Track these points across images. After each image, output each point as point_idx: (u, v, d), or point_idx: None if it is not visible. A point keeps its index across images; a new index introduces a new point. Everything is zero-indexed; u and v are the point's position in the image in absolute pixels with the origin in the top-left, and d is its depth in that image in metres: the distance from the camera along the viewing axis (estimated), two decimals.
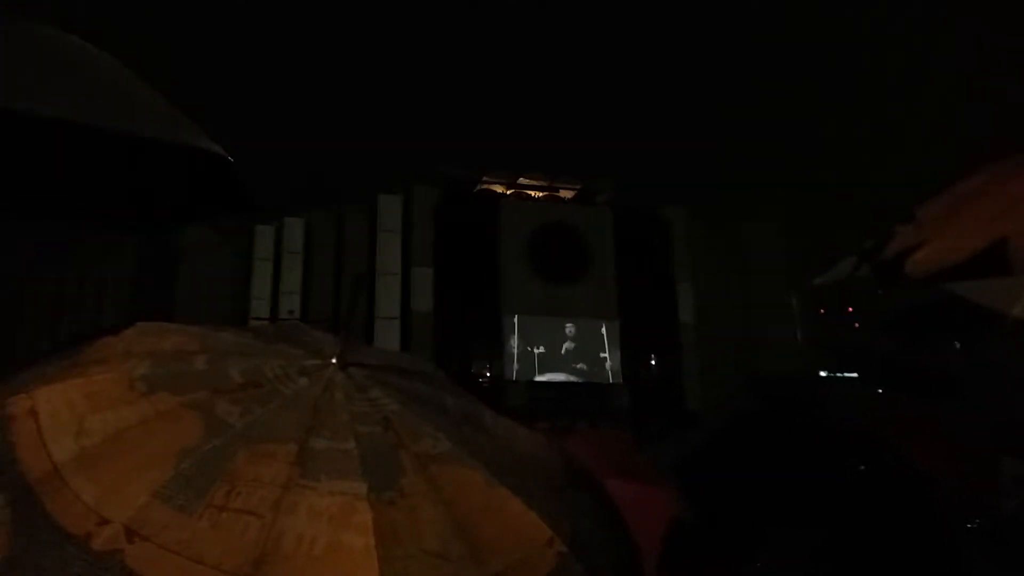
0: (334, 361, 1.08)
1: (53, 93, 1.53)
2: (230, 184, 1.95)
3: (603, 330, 30.13)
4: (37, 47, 1.61)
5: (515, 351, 28.95)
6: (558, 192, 32.40)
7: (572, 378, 29.45)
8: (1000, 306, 1.57)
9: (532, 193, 31.97)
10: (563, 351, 29.64)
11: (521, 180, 31.82)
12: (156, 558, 0.77)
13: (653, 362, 30.98)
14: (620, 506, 1.24)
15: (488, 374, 28.34)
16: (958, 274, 1.46)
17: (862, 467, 2.90)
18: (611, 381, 29.73)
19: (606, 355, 30.00)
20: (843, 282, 1.85)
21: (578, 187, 32.39)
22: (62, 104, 1.53)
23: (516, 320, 29.26)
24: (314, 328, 1.32)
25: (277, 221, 29.05)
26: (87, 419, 0.91)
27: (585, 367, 29.70)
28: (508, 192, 31.60)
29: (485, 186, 31.60)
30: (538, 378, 28.90)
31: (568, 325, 29.87)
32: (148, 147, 1.70)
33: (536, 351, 29.24)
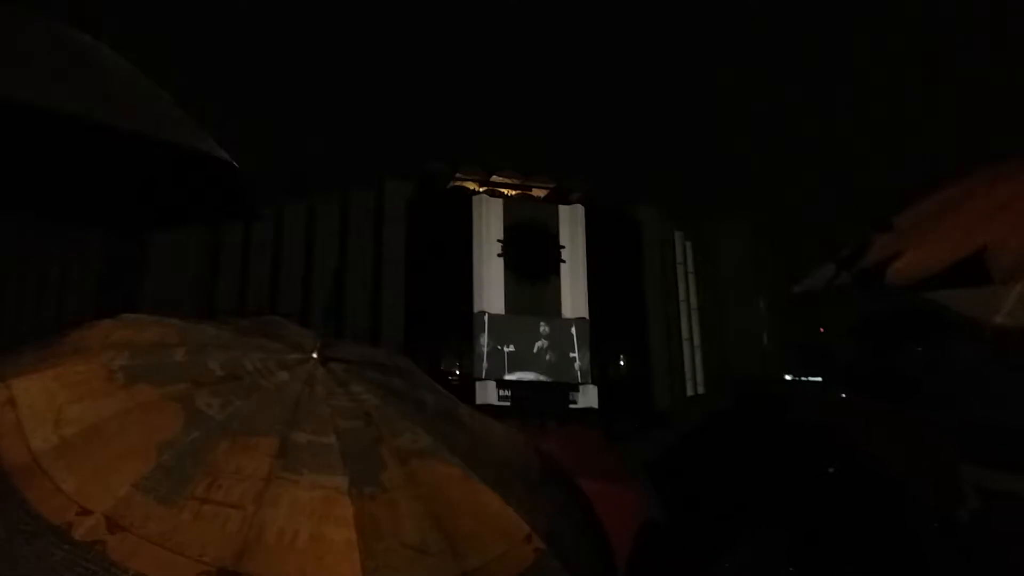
0: (314, 356, 1.09)
1: (58, 86, 1.51)
2: (232, 190, 1.93)
3: (573, 330, 30.22)
4: (44, 40, 1.59)
5: (485, 349, 28.93)
6: (531, 190, 32.43)
7: (541, 377, 29.49)
8: (981, 314, 1.60)
9: (505, 191, 31.97)
10: (533, 350, 29.68)
11: (495, 178, 31.80)
12: (138, 549, 0.77)
13: (622, 362, 31.15)
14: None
15: (458, 372, 28.29)
16: (939, 283, 1.48)
17: (831, 469, 2.95)
18: (580, 380, 29.84)
19: (575, 354, 30.09)
20: (821, 290, 1.87)
21: (551, 185, 32.45)
22: (65, 97, 1.51)
23: (486, 318, 29.25)
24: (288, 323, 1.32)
25: None
26: (66, 409, 0.91)
27: (554, 366, 29.76)
28: (481, 189, 31.56)
29: (458, 183, 31.53)
30: (507, 376, 28.91)
31: (539, 324, 29.92)
32: (149, 146, 1.68)
33: (506, 350, 29.24)
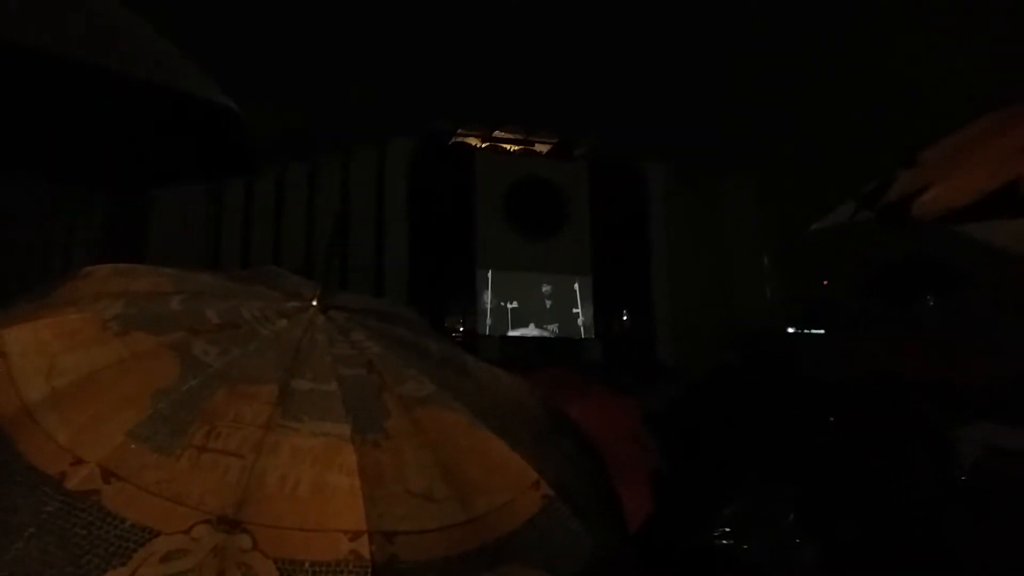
0: (314, 303, 1.06)
1: (54, 27, 1.46)
2: (233, 142, 1.88)
3: (576, 286, 30.23)
4: None
5: (488, 306, 28.98)
6: (534, 146, 32.15)
7: (545, 333, 29.59)
8: (1014, 245, 1.57)
9: (508, 147, 31.71)
10: (536, 306, 29.73)
11: (497, 133, 31.52)
12: (134, 498, 0.75)
13: (625, 317, 31.22)
14: (592, 422, 1.24)
15: (461, 328, 28.38)
16: (968, 215, 1.44)
17: (831, 419, 2.95)
18: (583, 336, 29.94)
19: (579, 311, 30.15)
20: (842, 227, 1.84)
21: (555, 141, 32.17)
22: (64, 40, 1.46)
23: (490, 275, 29.24)
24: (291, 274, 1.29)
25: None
26: (59, 359, 0.88)
27: (558, 322, 29.84)
28: (484, 145, 31.29)
29: (460, 139, 31.28)
30: (511, 333, 29.01)
31: (542, 281, 29.93)
32: (152, 94, 1.63)
33: (509, 306, 29.29)
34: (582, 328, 30.42)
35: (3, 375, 0.86)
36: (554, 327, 29.95)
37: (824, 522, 2.52)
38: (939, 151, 1.63)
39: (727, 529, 2.59)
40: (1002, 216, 1.42)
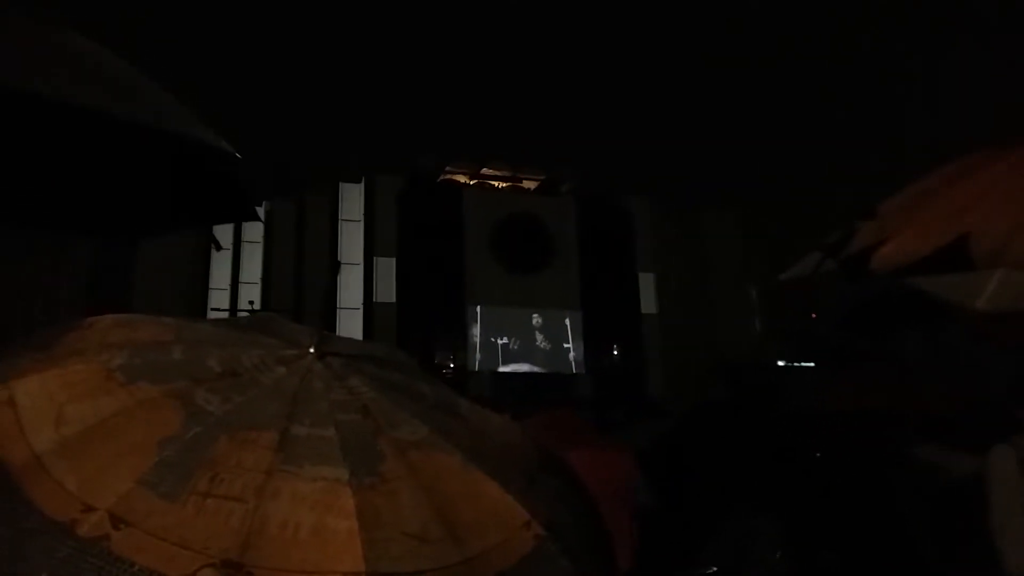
0: (312, 351, 1.10)
1: (61, 78, 1.50)
2: (229, 186, 1.91)
3: (566, 321, 30.26)
4: (41, 40, 1.58)
5: (478, 341, 28.94)
6: (521, 183, 32.38)
7: (535, 368, 29.53)
8: (964, 299, 1.62)
9: (495, 183, 31.92)
10: (526, 342, 29.70)
11: (484, 170, 31.75)
12: (142, 544, 0.78)
13: (615, 352, 31.21)
14: (581, 471, 1.28)
15: (451, 365, 28.28)
16: (922, 269, 1.51)
17: (818, 454, 2.98)
18: (574, 371, 29.89)
19: (569, 346, 30.14)
20: (807, 278, 1.90)
21: (541, 177, 32.41)
22: (67, 87, 1.50)
23: (479, 311, 29.24)
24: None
25: None
26: (66, 409, 0.91)
27: (548, 358, 29.80)
28: (471, 182, 31.50)
29: (448, 176, 31.47)
30: (501, 369, 28.93)
31: (531, 316, 29.94)
32: (151, 139, 1.67)
33: (499, 342, 29.26)
34: (573, 363, 30.40)
35: (13, 425, 0.89)
36: (544, 362, 29.92)
37: (811, 557, 2.54)
38: (897, 203, 1.70)
39: (714, 569, 2.60)
40: (953, 269, 1.48)
